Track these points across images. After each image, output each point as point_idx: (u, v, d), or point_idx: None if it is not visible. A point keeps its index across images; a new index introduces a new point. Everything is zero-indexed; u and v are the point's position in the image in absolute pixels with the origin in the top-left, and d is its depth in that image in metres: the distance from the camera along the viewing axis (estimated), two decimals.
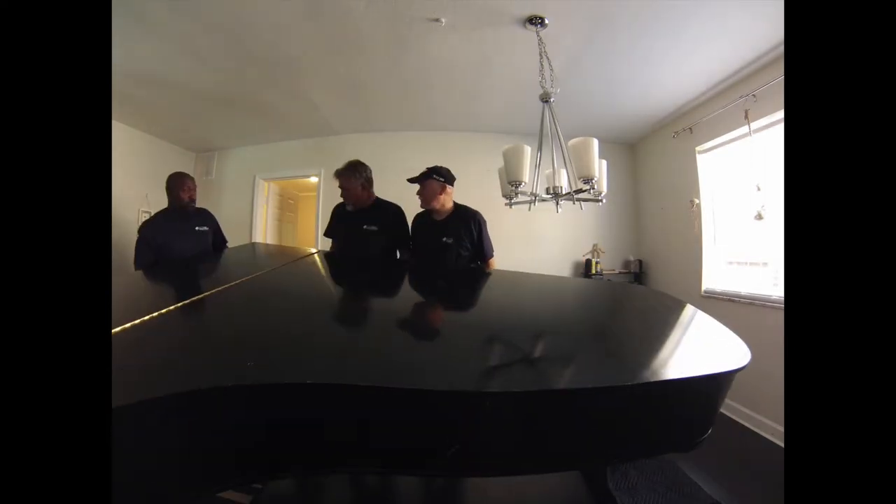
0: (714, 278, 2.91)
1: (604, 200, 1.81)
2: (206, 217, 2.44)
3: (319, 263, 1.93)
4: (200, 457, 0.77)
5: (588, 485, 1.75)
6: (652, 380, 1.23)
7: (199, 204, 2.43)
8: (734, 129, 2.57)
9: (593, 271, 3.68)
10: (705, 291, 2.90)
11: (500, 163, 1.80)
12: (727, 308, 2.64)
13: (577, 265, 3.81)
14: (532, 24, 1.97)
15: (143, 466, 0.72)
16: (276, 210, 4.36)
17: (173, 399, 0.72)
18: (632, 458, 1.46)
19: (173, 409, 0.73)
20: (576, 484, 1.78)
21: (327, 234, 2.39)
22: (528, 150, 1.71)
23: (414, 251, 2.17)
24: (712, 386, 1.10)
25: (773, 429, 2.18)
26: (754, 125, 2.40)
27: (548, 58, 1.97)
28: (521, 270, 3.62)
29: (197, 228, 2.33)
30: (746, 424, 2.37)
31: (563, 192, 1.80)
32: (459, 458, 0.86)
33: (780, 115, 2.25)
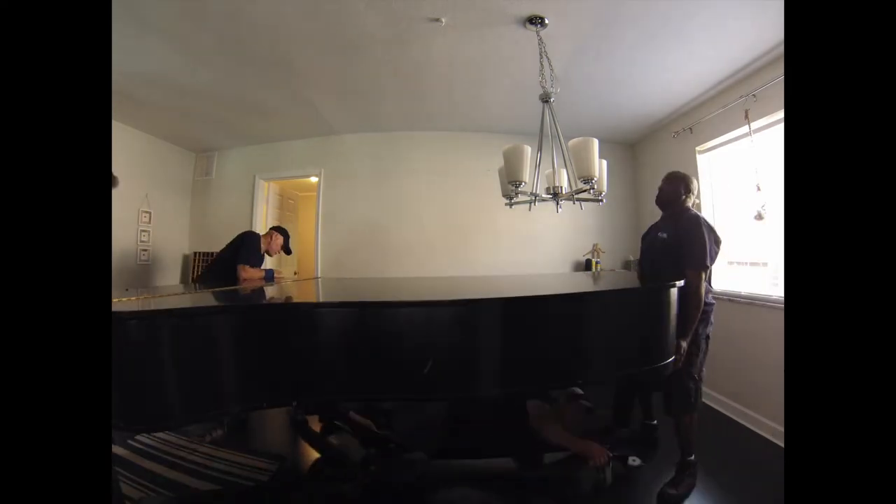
0: (714, 278, 2.90)
1: (604, 200, 1.81)
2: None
3: None
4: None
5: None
6: (602, 289, 1.76)
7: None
8: (734, 129, 2.57)
9: (593, 271, 3.68)
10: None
11: (501, 163, 1.80)
12: (727, 308, 2.63)
13: (577, 265, 3.80)
14: (532, 24, 1.97)
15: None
16: (276, 210, 4.35)
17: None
18: (603, 377, 1.46)
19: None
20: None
21: None
22: (528, 150, 1.71)
23: None
24: (652, 300, 1.45)
25: (773, 429, 2.18)
26: (754, 125, 2.40)
27: (548, 58, 1.97)
28: (520, 271, 3.66)
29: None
30: (746, 424, 2.37)
31: (564, 192, 1.80)
32: (436, 375, 1.12)
33: (780, 115, 2.25)
